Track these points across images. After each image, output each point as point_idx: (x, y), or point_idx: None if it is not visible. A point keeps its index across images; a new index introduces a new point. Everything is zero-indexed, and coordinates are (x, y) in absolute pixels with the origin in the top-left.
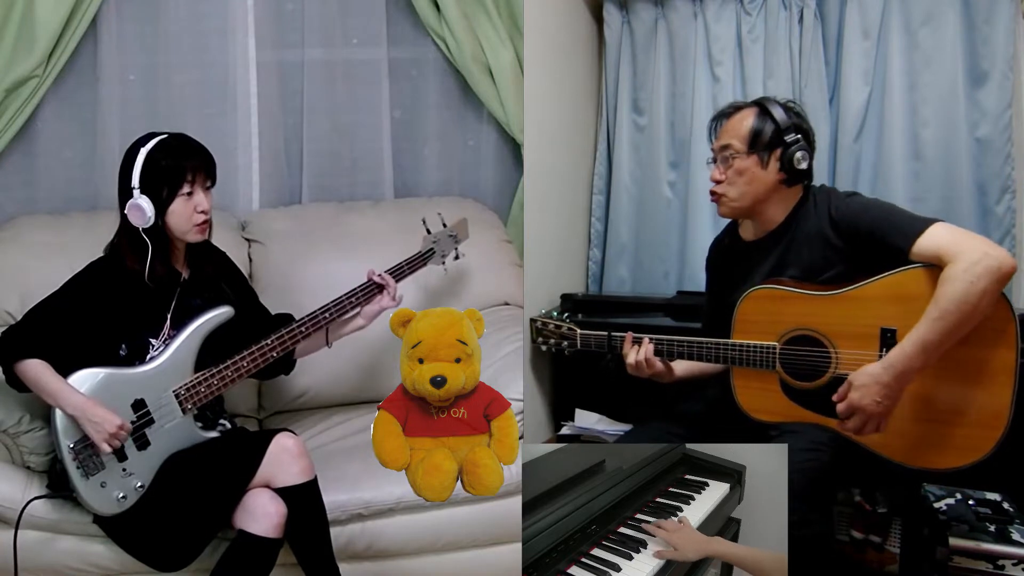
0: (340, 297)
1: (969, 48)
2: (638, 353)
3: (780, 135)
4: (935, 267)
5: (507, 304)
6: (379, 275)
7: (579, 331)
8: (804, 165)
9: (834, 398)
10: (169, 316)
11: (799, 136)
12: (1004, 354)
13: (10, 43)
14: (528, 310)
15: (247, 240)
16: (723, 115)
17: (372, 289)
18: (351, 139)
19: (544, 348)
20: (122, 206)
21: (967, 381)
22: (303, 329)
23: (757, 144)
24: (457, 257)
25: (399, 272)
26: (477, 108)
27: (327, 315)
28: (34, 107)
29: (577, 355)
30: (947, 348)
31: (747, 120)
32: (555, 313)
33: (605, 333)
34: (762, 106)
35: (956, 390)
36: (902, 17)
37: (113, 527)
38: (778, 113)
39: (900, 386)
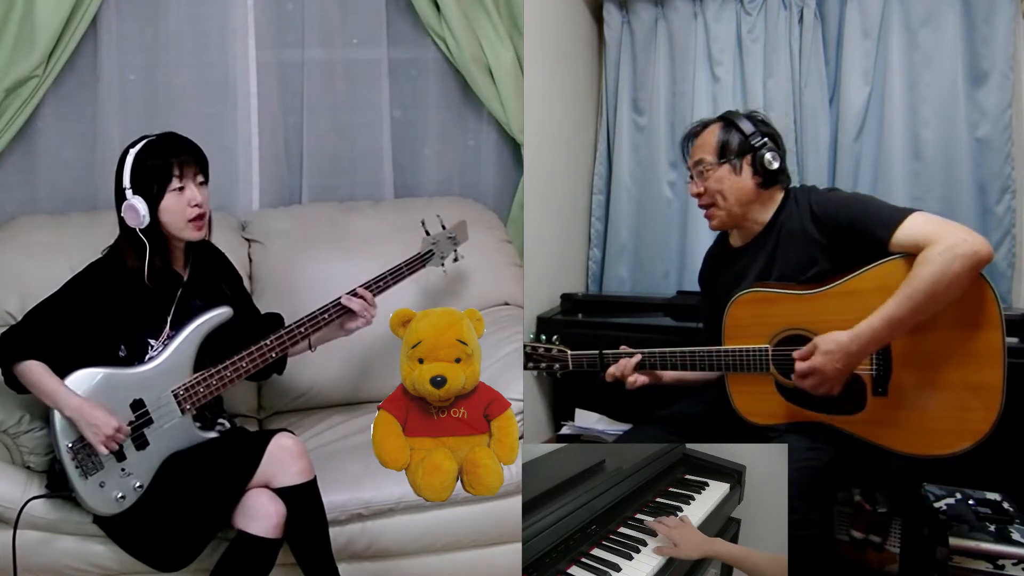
0: (338, 298)
1: (969, 48)
2: (616, 368)
3: (747, 141)
4: (916, 257)
5: (507, 304)
6: (359, 296)
7: (570, 352)
8: (775, 165)
9: (795, 355)
10: (169, 317)
11: (765, 139)
12: (990, 335)
13: (10, 43)
14: (528, 310)
15: (247, 240)
16: (692, 134)
17: (370, 290)
18: (351, 139)
19: (536, 373)
20: (119, 209)
21: (958, 365)
22: (303, 330)
23: (727, 153)
24: (456, 259)
25: (397, 273)
26: (477, 108)
27: (327, 315)
28: (34, 107)
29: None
30: (913, 325)
31: (714, 134)
32: (543, 336)
33: (596, 352)
34: (727, 119)
35: (949, 374)
36: (902, 17)
37: (112, 527)
38: (742, 123)
39: (861, 356)
